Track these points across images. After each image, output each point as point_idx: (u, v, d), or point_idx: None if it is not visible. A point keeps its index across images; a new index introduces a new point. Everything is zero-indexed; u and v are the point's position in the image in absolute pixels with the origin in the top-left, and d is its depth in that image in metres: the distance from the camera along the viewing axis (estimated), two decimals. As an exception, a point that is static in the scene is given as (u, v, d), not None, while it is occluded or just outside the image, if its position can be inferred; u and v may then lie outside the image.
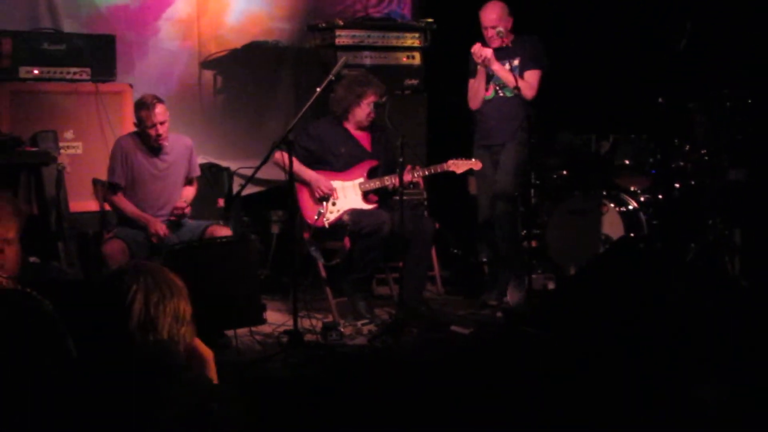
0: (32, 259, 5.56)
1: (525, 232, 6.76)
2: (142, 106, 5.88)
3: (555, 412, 4.41)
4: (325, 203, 6.17)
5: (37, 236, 5.91)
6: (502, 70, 6.39)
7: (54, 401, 2.50)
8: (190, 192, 6.20)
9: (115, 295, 2.54)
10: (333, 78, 5.87)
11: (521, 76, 6.43)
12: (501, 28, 6.41)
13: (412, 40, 7.52)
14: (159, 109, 5.85)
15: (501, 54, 6.42)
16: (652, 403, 4.33)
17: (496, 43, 6.44)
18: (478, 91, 6.60)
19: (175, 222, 5.94)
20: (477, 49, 6.39)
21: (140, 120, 5.89)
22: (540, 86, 6.47)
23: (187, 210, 5.98)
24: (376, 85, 6.29)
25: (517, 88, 6.20)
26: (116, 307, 2.54)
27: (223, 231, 5.95)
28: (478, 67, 6.49)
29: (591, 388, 4.54)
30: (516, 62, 6.46)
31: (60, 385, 2.52)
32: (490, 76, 6.54)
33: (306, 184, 6.23)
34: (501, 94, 6.55)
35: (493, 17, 6.46)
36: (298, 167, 6.13)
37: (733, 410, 4.22)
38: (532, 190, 6.97)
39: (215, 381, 2.78)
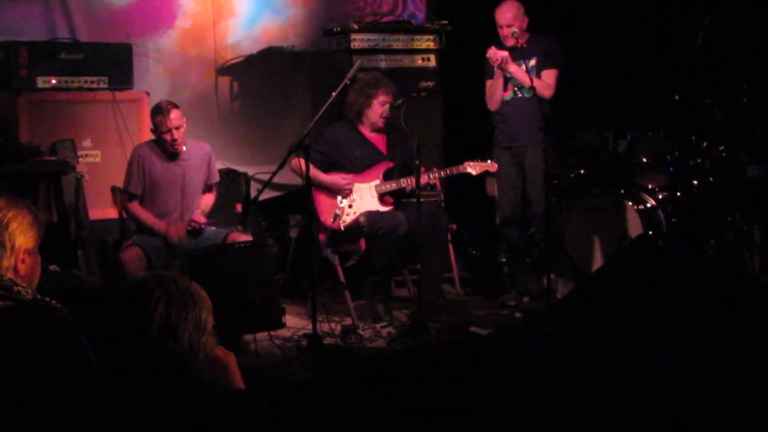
0: (52, 267, 5.60)
1: (533, 230, 6.76)
2: (158, 111, 5.91)
3: (575, 411, 4.41)
4: (341, 205, 6.18)
5: (57, 244, 5.96)
6: (519, 71, 6.38)
7: (73, 410, 2.53)
8: (209, 200, 6.21)
9: (138, 302, 2.57)
10: (348, 82, 5.89)
11: (538, 75, 6.42)
12: (516, 28, 6.40)
13: (427, 42, 7.52)
14: (174, 114, 5.88)
15: (517, 54, 6.41)
16: (672, 400, 4.32)
17: (511, 42, 6.43)
18: (495, 93, 6.59)
19: (192, 231, 5.96)
20: (492, 52, 6.39)
21: (156, 125, 5.92)
22: (557, 85, 6.46)
23: (204, 222, 5.98)
24: (385, 85, 6.30)
25: (532, 88, 6.19)
26: (138, 313, 2.56)
27: (244, 238, 5.96)
28: (495, 68, 6.48)
29: (611, 386, 4.53)
30: (532, 62, 6.44)
31: (79, 394, 2.54)
32: (507, 78, 6.53)
33: (324, 187, 6.24)
34: (520, 95, 6.53)
35: (509, 16, 6.45)
36: (314, 173, 6.14)
37: (754, 405, 4.21)
38: (550, 190, 6.96)
39: (239, 384, 2.80)
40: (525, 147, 6.55)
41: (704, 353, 4.68)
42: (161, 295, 2.59)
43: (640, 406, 4.34)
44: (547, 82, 6.44)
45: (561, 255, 6.77)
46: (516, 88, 6.54)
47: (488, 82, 6.63)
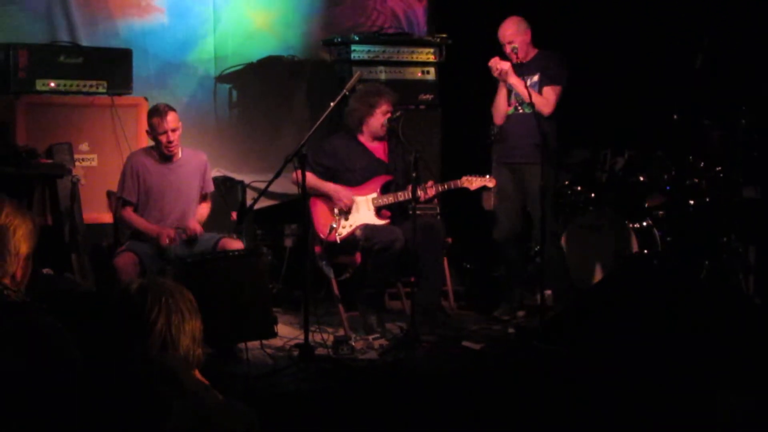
0: (46, 270, 5.58)
1: (538, 248, 6.74)
2: (155, 113, 5.92)
3: (565, 427, 4.40)
4: (338, 217, 6.17)
5: (51, 248, 5.94)
6: (519, 84, 6.35)
7: (59, 414, 2.51)
8: (204, 210, 6.19)
9: (137, 312, 2.55)
10: (347, 93, 5.88)
11: (540, 92, 6.40)
12: (516, 44, 6.38)
13: (427, 55, 7.53)
14: (171, 117, 5.88)
15: (521, 69, 6.39)
16: (664, 418, 4.32)
17: (515, 59, 6.41)
18: (499, 106, 6.55)
19: (188, 241, 5.94)
20: (494, 62, 6.36)
21: (152, 127, 5.92)
22: (558, 103, 6.43)
23: (200, 231, 5.97)
24: (388, 94, 6.30)
25: (531, 104, 6.17)
26: (137, 322, 2.54)
27: (236, 244, 5.94)
28: (499, 80, 6.46)
29: (603, 404, 4.53)
30: (535, 78, 6.43)
31: (65, 398, 2.53)
32: (510, 91, 6.49)
33: (325, 197, 6.23)
34: (521, 111, 6.48)
35: (508, 33, 6.44)
36: (317, 182, 6.15)
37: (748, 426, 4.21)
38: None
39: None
40: (524, 165, 6.50)
41: (698, 373, 4.67)
42: (161, 307, 2.57)
43: (631, 424, 4.33)
44: (547, 98, 6.42)
45: (560, 272, 6.71)
46: (518, 104, 6.50)
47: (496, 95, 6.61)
